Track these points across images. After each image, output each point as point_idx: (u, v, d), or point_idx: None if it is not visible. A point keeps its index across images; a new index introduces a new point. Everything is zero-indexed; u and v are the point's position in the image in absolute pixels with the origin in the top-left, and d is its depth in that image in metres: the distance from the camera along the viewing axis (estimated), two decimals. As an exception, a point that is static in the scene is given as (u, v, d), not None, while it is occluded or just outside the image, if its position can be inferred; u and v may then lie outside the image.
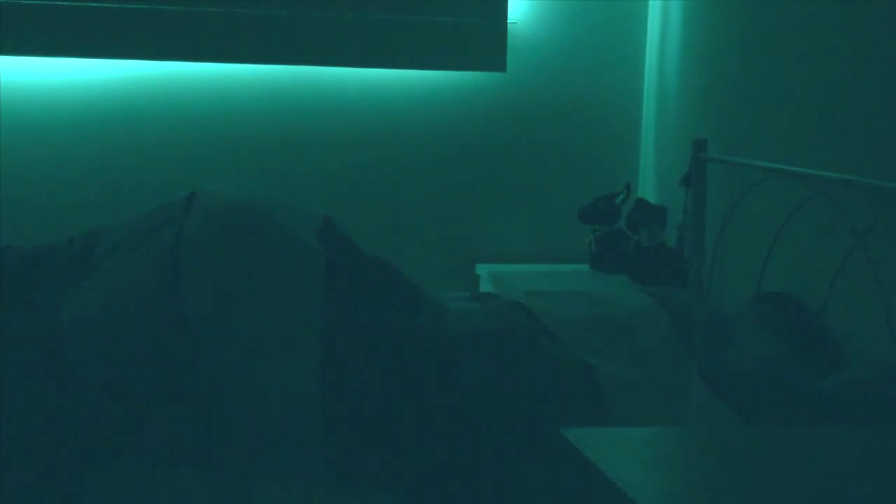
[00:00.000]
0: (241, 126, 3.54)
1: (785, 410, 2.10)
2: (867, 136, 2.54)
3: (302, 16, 3.48)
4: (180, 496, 1.81)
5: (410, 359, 1.99)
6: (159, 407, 1.86)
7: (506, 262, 3.71)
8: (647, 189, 3.75)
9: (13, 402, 1.81)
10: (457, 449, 1.91)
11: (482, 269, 3.64)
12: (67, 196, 3.43)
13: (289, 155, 3.58)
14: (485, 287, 3.54)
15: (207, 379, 1.88)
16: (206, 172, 3.51)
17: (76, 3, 3.34)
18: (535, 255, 3.70)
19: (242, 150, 3.55)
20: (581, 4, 3.72)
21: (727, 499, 1.41)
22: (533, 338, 2.15)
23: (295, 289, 2.00)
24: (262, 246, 2.04)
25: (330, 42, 3.52)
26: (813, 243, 2.72)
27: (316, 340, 1.94)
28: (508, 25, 3.63)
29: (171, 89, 3.49)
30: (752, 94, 3.07)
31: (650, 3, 3.75)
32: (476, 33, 3.61)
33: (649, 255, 3.37)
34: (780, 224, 2.80)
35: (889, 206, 2.40)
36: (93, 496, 1.78)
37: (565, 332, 2.20)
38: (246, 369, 1.89)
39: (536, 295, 2.52)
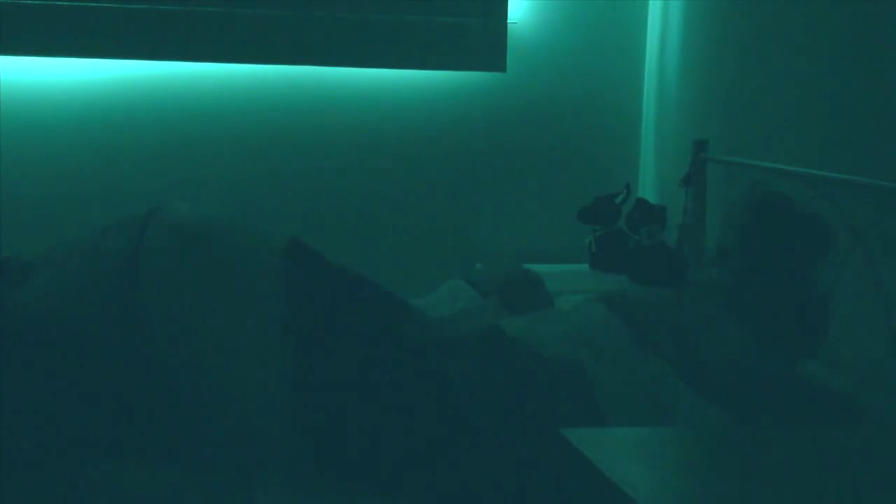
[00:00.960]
0: (241, 126, 3.54)
1: (768, 401, 2.10)
2: (867, 136, 2.54)
3: (302, 16, 3.48)
4: (176, 496, 1.81)
5: (389, 359, 1.98)
6: (118, 409, 1.86)
7: (506, 262, 3.71)
8: (647, 189, 3.75)
9: None
10: (448, 447, 1.91)
11: (482, 269, 3.64)
12: (67, 196, 3.43)
13: (288, 155, 3.58)
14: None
15: (163, 388, 1.88)
16: (206, 172, 3.51)
17: (76, 3, 3.34)
18: (535, 255, 3.70)
19: (242, 150, 3.55)
20: (581, 4, 3.72)
21: (726, 499, 1.41)
22: (516, 339, 2.15)
23: (252, 305, 1.97)
24: (220, 260, 2.02)
25: (330, 42, 3.52)
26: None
27: (275, 350, 1.92)
28: (508, 25, 3.63)
29: (171, 89, 3.49)
30: (752, 94, 3.07)
31: (650, 3, 3.74)
32: (476, 33, 3.61)
33: (649, 255, 3.36)
34: (780, 224, 2.79)
35: (889, 206, 2.40)
36: (79, 496, 1.79)
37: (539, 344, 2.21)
38: (200, 377, 1.89)
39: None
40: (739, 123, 3.14)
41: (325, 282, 2.09)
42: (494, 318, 2.38)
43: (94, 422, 1.85)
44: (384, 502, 1.87)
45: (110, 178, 3.47)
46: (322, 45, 3.52)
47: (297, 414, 1.88)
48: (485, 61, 3.64)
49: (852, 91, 2.60)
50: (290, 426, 1.87)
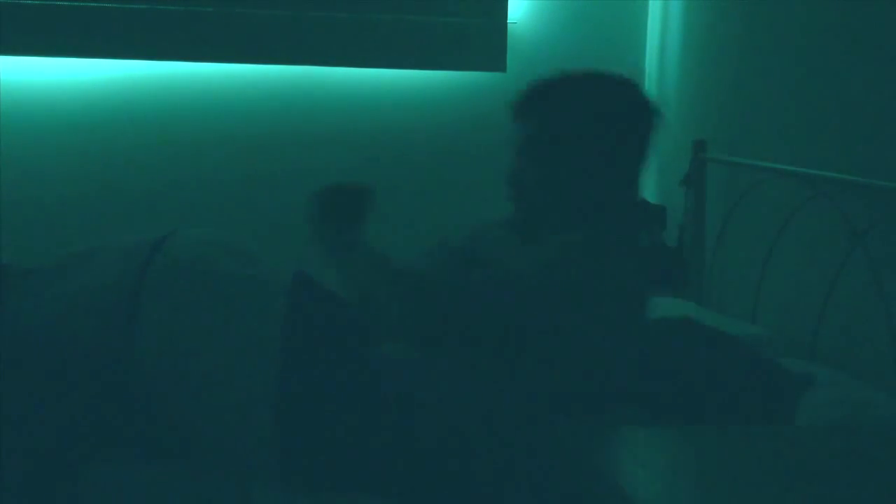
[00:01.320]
0: (241, 126, 3.54)
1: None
2: (867, 136, 2.54)
3: (302, 16, 3.48)
4: (172, 495, 1.82)
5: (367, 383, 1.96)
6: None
7: (506, 262, 3.70)
8: (647, 189, 3.75)
9: None
10: (432, 457, 1.91)
11: (482, 269, 3.63)
12: (67, 196, 3.43)
13: (288, 155, 3.58)
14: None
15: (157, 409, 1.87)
16: (206, 172, 3.51)
17: (76, 3, 3.34)
18: (535, 255, 3.70)
19: (242, 150, 3.55)
20: (581, 4, 3.72)
21: (726, 499, 1.41)
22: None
23: (250, 342, 1.94)
24: (222, 297, 1.99)
25: (330, 42, 3.52)
26: (813, 243, 2.72)
27: (267, 389, 1.90)
28: (508, 25, 3.63)
29: (171, 89, 3.49)
30: (752, 94, 3.07)
31: (650, 3, 3.74)
32: (476, 33, 3.61)
33: (649, 255, 3.36)
34: (780, 224, 2.80)
35: (889, 206, 2.40)
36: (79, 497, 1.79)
37: None
38: (192, 410, 1.88)
39: None
40: (739, 123, 3.14)
41: (324, 318, 2.06)
42: None
43: (92, 426, 1.85)
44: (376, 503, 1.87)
45: (110, 178, 3.47)
46: (322, 45, 3.51)
47: (285, 442, 1.88)
48: (485, 61, 3.64)
49: (852, 91, 2.60)
50: (278, 452, 1.87)
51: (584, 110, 2.17)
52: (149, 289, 1.94)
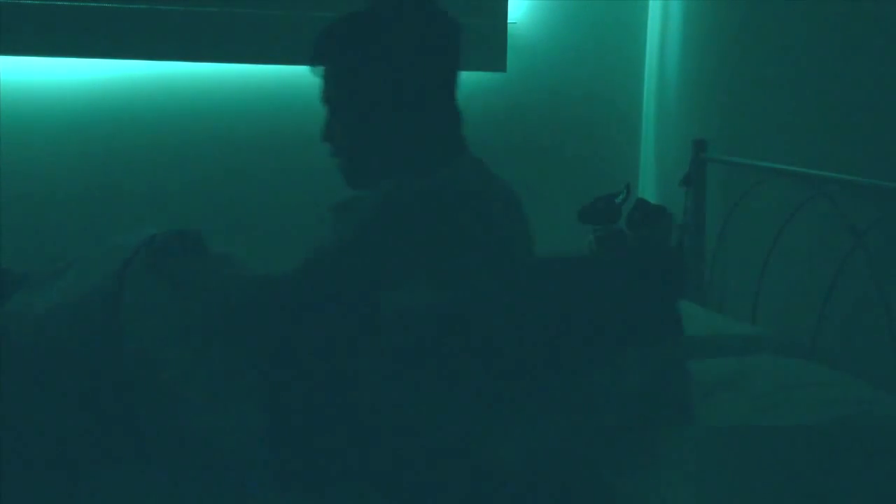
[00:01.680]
0: (240, 126, 3.54)
1: None
2: (867, 136, 2.54)
3: (302, 16, 3.48)
4: (172, 495, 1.82)
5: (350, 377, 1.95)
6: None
7: (506, 262, 3.70)
8: (647, 189, 3.75)
9: None
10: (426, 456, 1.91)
11: (482, 269, 3.62)
12: (67, 196, 3.43)
13: (288, 155, 3.58)
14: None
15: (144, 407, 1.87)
16: (205, 172, 3.51)
17: (76, 4, 3.34)
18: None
19: (241, 150, 3.55)
20: (581, 4, 3.72)
21: (726, 499, 1.41)
22: None
23: (220, 338, 1.93)
24: (197, 297, 1.98)
25: (330, 42, 3.51)
26: (813, 243, 2.72)
27: (245, 384, 1.90)
28: (508, 25, 3.63)
29: (171, 89, 3.49)
30: (752, 94, 3.07)
31: (650, 3, 3.75)
32: (476, 33, 3.61)
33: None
34: (780, 224, 2.80)
35: (889, 206, 2.40)
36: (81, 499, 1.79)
37: None
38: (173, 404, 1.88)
39: None
40: (739, 123, 3.14)
41: (316, 315, 2.02)
42: None
43: (86, 430, 1.85)
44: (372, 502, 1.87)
45: (110, 178, 3.47)
46: (322, 45, 3.51)
47: (271, 434, 1.87)
48: (485, 61, 3.64)
49: (852, 91, 2.60)
50: (265, 446, 1.87)
51: (366, 43, 2.02)
52: (130, 291, 1.94)
